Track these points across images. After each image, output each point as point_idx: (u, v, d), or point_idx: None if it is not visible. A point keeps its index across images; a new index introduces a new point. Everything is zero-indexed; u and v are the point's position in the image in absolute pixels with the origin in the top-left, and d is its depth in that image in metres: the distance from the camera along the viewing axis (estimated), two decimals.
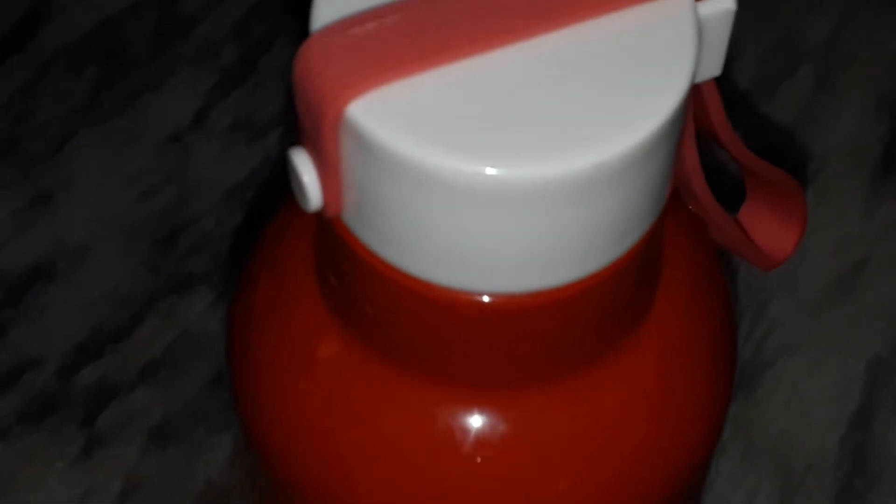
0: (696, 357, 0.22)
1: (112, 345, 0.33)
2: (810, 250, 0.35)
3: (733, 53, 0.38)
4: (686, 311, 0.22)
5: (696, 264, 0.22)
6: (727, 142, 0.20)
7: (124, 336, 0.33)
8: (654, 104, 0.17)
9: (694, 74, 0.18)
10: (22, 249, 0.35)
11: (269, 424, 0.22)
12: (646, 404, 0.21)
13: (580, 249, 0.18)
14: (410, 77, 0.18)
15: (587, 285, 0.19)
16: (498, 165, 0.17)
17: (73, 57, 0.38)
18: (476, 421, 0.20)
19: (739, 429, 0.33)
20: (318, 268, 0.21)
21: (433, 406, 0.20)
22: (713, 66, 0.19)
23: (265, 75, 0.38)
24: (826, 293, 0.35)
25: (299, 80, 0.18)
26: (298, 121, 0.18)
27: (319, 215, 0.19)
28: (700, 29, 0.18)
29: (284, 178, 0.19)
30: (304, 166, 0.18)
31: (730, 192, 0.23)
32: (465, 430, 0.20)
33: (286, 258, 0.22)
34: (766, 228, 0.22)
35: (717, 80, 0.20)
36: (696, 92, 0.19)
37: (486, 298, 0.19)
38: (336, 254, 0.20)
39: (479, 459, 0.21)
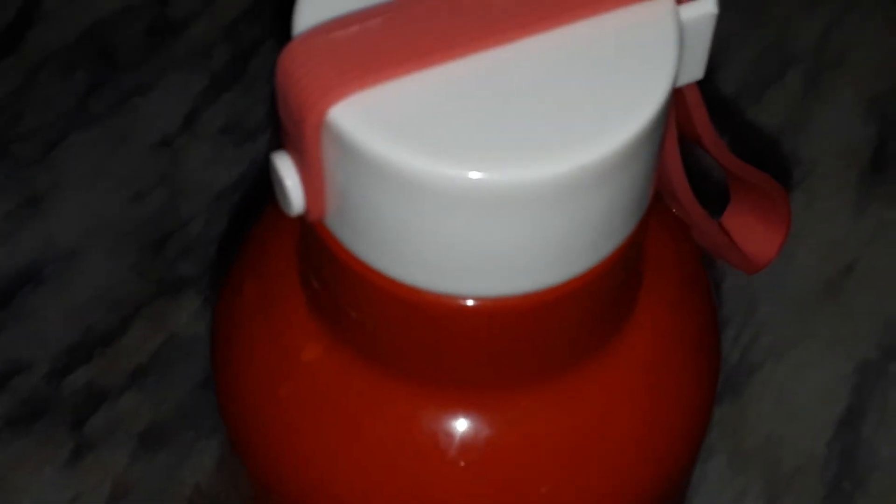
0: (680, 359, 0.22)
1: (101, 349, 0.33)
2: (798, 253, 0.35)
3: (722, 57, 0.38)
4: (670, 313, 0.22)
5: (680, 266, 0.22)
6: (711, 145, 0.20)
7: (113, 340, 0.33)
8: (636, 108, 0.17)
9: (675, 78, 0.18)
10: (11, 252, 0.35)
11: (252, 428, 0.22)
12: (630, 406, 0.21)
13: (563, 253, 0.18)
14: (392, 81, 0.18)
15: (570, 288, 0.19)
16: (479, 169, 0.17)
17: (64, 60, 0.38)
18: (460, 424, 0.20)
19: (727, 432, 0.33)
20: (301, 271, 0.21)
21: (417, 410, 0.21)
22: (695, 70, 0.19)
23: (255, 78, 0.38)
24: (814, 296, 0.35)
25: (281, 84, 0.18)
26: (281, 124, 0.18)
27: (302, 219, 0.19)
28: (682, 32, 0.18)
29: (271, 181, 0.19)
30: (286, 170, 0.18)
31: (714, 195, 0.23)
32: (448, 434, 0.20)
33: (270, 261, 0.22)
34: (750, 232, 0.23)
35: (704, 83, 0.20)
36: (678, 95, 0.19)
37: (469, 302, 0.19)
38: (319, 257, 0.20)
39: (462, 463, 0.21)
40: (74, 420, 0.32)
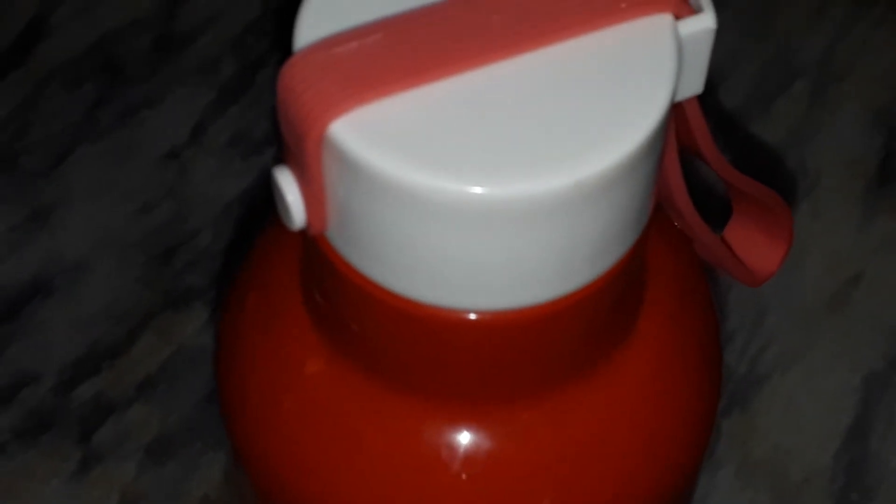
0: (682, 371, 0.22)
1: (109, 361, 0.33)
2: (805, 265, 0.35)
3: (728, 70, 0.38)
4: (671, 326, 0.22)
5: (682, 279, 0.22)
6: (711, 159, 0.20)
7: (121, 352, 0.34)
8: (635, 123, 0.17)
9: (674, 93, 0.18)
10: (19, 265, 0.35)
11: (255, 440, 0.22)
12: (632, 419, 0.21)
13: (563, 266, 0.18)
14: (393, 96, 0.18)
15: (571, 302, 0.19)
16: (479, 184, 0.17)
17: (72, 73, 0.38)
18: (462, 437, 0.21)
19: (735, 443, 0.33)
20: (303, 284, 0.21)
21: (419, 423, 0.21)
22: (695, 84, 0.19)
23: (262, 91, 0.38)
24: (821, 308, 0.35)
25: (282, 99, 0.18)
26: (282, 139, 0.18)
27: (304, 233, 0.19)
28: (680, 47, 0.18)
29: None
30: (287, 185, 0.18)
31: (716, 209, 0.23)
32: (450, 447, 0.21)
33: (273, 274, 0.22)
34: (752, 246, 0.23)
35: (709, 97, 0.20)
36: (678, 110, 0.20)
37: (470, 316, 0.19)
38: (321, 271, 0.20)
39: (464, 476, 0.21)
40: (82, 432, 0.32)
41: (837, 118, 0.38)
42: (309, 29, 0.18)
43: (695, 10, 0.18)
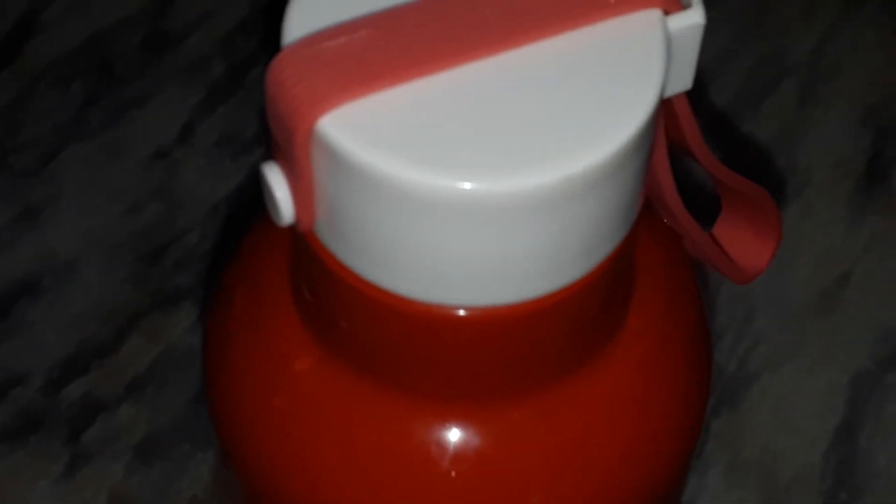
0: (671, 368, 0.22)
1: (97, 360, 0.33)
2: (794, 264, 0.35)
3: (718, 69, 0.38)
4: (660, 324, 0.22)
5: (671, 277, 0.22)
6: (700, 156, 0.20)
7: (109, 352, 0.34)
8: (623, 118, 0.17)
9: (663, 88, 0.18)
10: (8, 264, 0.35)
11: (244, 439, 0.22)
12: (621, 416, 0.21)
13: (552, 262, 0.18)
14: (381, 91, 0.18)
15: (559, 298, 0.19)
16: (467, 179, 0.17)
17: (61, 72, 0.38)
18: (451, 435, 0.20)
19: (724, 443, 0.33)
20: (292, 282, 0.21)
21: (408, 420, 0.21)
22: (684, 80, 0.19)
23: (251, 91, 0.38)
24: (810, 307, 0.35)
25: (271, 95, 0.18)
26: (271, 135, 0.18)
27: (293, 229, 0.19)
28: (669, 43, 0.18)
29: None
30: (276, 181, 0.18)
31: (705, 206, 0.23)
32: (440, 445, 0.20)
33: (262, 271, 0.22)
34: (741, 243, 0.23)
35: (699, 95, 0.20)
36: (667, 106, 0.20)
37: (458, 312, 0.19)
38: (310, 268, 0.20)
39: (454, 474, 0.21)
40: (70, 432, 0.32)
41: (826, 118, 0.38)
42: (298, 24, 0.18)
43: (684, 6, 0.19)
